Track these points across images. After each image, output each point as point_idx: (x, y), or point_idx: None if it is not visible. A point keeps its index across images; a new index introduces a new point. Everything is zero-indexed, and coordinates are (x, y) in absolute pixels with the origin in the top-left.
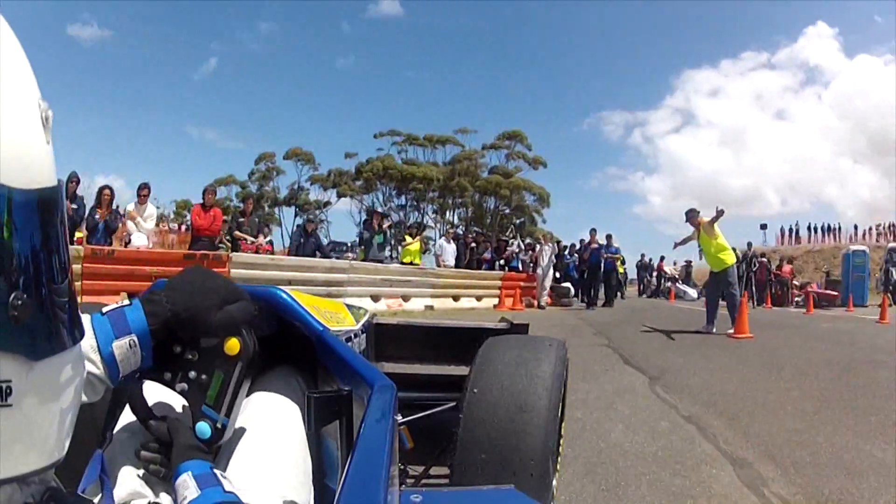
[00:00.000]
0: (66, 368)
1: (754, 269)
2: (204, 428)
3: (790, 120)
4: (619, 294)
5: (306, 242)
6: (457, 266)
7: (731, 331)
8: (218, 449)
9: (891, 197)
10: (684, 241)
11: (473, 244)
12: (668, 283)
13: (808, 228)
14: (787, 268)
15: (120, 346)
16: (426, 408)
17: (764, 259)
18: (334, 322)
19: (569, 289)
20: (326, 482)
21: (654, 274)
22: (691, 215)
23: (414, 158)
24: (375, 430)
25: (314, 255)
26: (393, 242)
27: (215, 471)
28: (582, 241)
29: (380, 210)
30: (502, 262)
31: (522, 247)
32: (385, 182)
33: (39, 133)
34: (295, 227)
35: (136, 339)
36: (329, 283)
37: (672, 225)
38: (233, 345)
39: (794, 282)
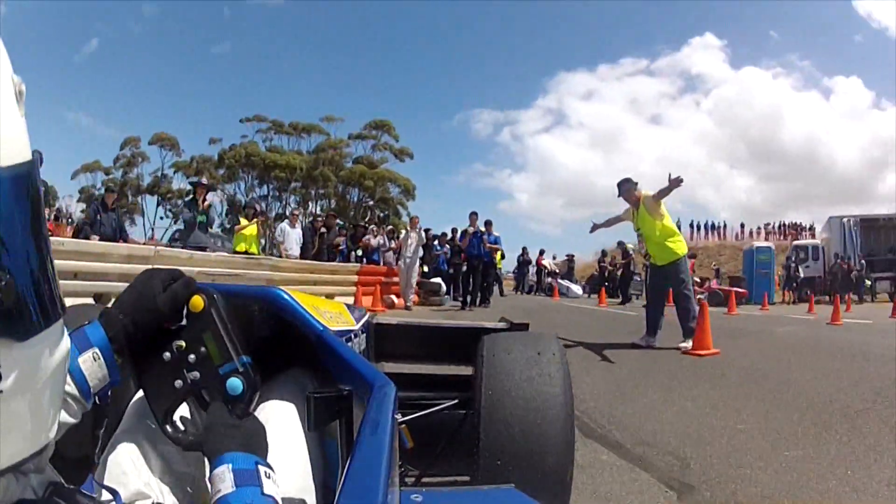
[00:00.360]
0: (51, 347)
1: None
2: (235, 383)
3: (665, 125)
4: (497, 291)
5: (104, 220)
6: (303, 256)
7: (686, 345)
8: (259, 398)
9: (768, 200)
10: (609, 223)
11: (323, 228)
12: (549, 279)
13: (691, 226)
14: (688, 262)
15: (84, 360)
16: (426, 408)
17: None
18: (334, 322)
19: (439, 285)
20: (327, 482)
21: (534, 269)
22: (626, 188)
23: (280, 147)
24: (375, 430)
25: (115, 238)
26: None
27: (261, 467)
28: (454, 229)
29: (205, 182)
30: (359, 252)
31: (386, 242)
32: (247, 170)
33: (15, 108)
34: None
35: (98, 351)
36: (126, 277)
37: (538, 221)
38: (196, 303)
39: (696, 278)
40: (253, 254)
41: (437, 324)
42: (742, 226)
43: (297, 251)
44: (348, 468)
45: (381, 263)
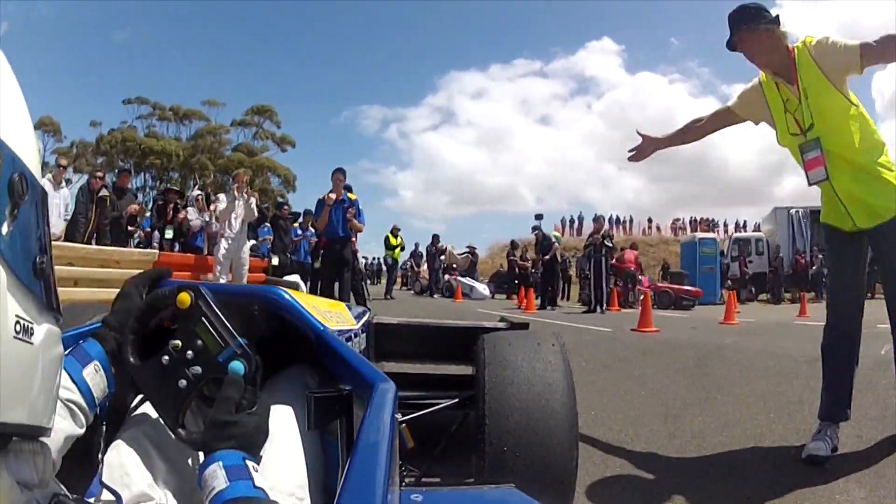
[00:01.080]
0: (56, 338)
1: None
2: (236, 366)
3: (555, 126)
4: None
5: None
6: (70, 237)
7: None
8: (264, 378)
9: (657, 200)
10: (697, 131)
11: (105, 192)
12: (447, 277)
13: (595, 220)
14: (629, 254)
15: (88, 373)
16: (426, 407)
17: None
18: (334, 322)
19: (297, 283)
20: (327, 482)
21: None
22: (754, 26)
23: (161, 133)
24: (375, 430)
25: None
26: None
27: (248, 462)
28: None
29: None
30: (169, 233)
31: (214, 223)
32: (125, 157)
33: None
34: None
35: (98, 363)
36: None
37: (422, 219)
38: (183, 300)
39: (641, 276)
40: None
41: (437, 323)
42: (650, 220)
43: (60, 227)
44: (348, 468)
45: (207, 252)
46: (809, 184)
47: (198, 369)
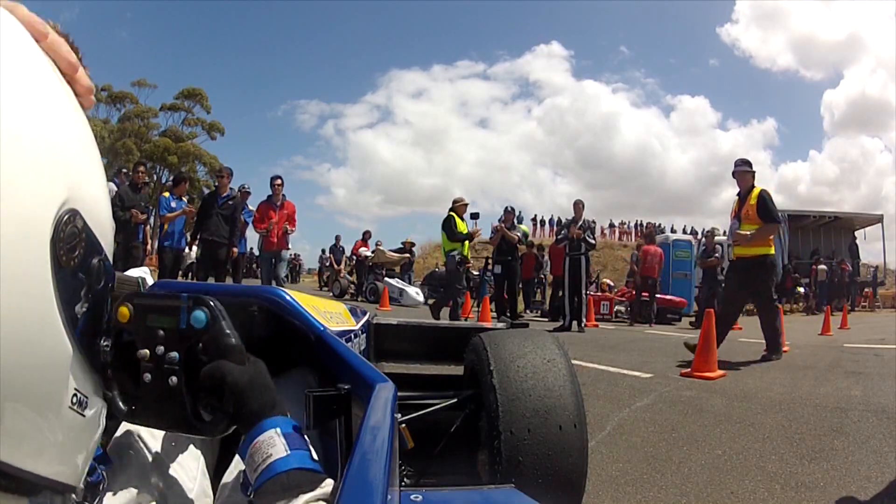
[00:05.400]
0: (102, 413)
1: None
2: (198, 316)
3: (492, 129)
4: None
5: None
6: None
7: None
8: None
9: (591, 207)
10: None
11: None
12: (373, 278)
13: (533, 220)
14: (653, 253)
15: None
16: (426, 407)
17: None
18: (334, 322)
19: (143, 278)
20: None
21: (351, 261)
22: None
23: (91, 114)
24: (375, 430)
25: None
26: None
27: (304, 433)
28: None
29: None
30: None
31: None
32: None
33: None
34: None
35: None
36: None
37: (353, 217)
38: (122, 313)
39: (608, 281)
40: None
41: (437, 324)
42: (594, 222)
43: None
44: (348, 468)
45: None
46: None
47: (174, 355)
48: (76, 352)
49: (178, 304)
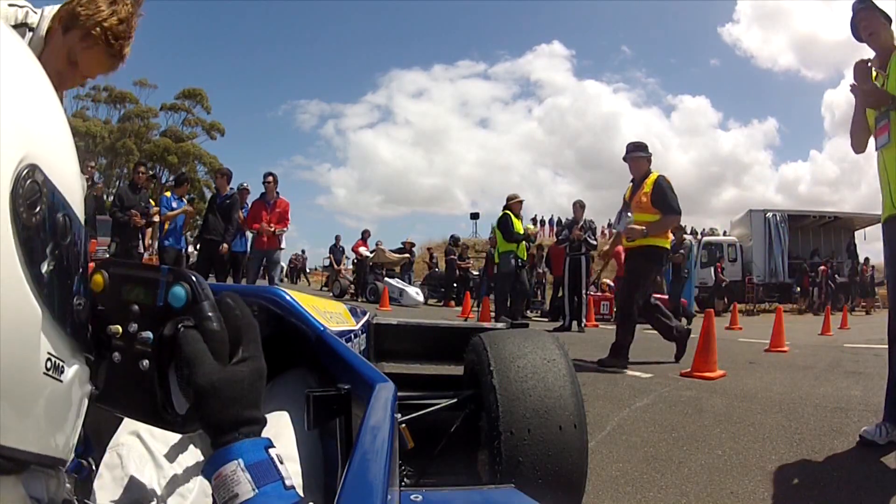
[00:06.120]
0: (85, 377)
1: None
2: (176, 293)
3: (493, 129)
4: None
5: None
6: None
7: None
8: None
9: (592, 207)
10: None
11: None
12: (373, 278)
13: (533, 220)
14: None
15: None
16: (426, 407)
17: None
18: (335, 322)
19: None
20: (326, 482)
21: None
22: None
23: (92, 115)
24: (375, 430)
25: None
26: None
27: (271, 452)
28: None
29: None
30: None
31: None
32: None
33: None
34: None
35: None
36: None
37: (354, 218)
38: (97, 281)
39: (607, 280)
40: None
41: (437, 324)
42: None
43: None
44: (348, 468)
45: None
46: (876, 148)
47: (148, 335)
48: (45, 313)
49: (157, 277)
